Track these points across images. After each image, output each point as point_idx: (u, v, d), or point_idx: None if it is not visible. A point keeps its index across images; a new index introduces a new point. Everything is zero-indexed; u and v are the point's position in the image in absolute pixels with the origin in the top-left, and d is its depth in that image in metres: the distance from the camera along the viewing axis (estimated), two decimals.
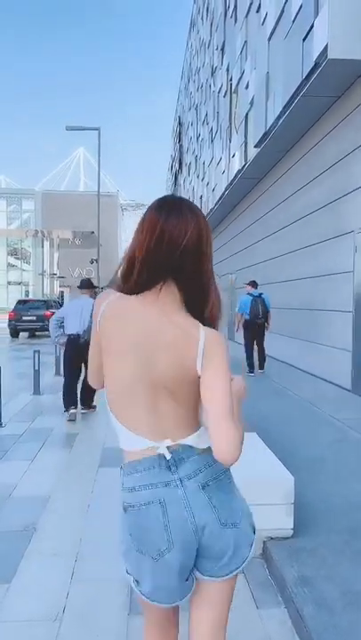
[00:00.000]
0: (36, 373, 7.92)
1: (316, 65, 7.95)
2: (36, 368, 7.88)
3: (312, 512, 3.33)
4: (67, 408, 6.30)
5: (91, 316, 5.53)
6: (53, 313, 23.20)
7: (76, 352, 6.10)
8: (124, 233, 75.74)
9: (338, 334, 8.44)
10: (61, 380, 6.67)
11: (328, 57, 7.47)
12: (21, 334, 20.36)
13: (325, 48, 7.53)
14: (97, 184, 22.02)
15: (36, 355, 7.90)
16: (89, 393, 6.60)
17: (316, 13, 8.14)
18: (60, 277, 53.53)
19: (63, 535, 3.23)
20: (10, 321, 19.89)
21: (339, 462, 4.49)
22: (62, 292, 49.68)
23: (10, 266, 58.14)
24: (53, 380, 9.24)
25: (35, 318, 19.44)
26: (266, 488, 2.96)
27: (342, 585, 2.51)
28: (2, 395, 6.18)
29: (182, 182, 40.55)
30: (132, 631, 2.28)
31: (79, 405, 6.46)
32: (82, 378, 6.32)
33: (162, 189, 74.09)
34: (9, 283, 57.10)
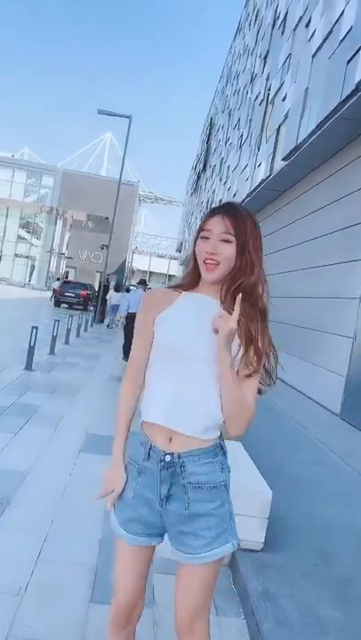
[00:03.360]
0: (31, 349, 7.91)
1: (357, 89, 7.95)
2: (32, 344, 7.87)
3: (285, 529, 3.33)
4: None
5: None
6: (88, 293, 26.59)
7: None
8: (138, 224, 75.73)
9: (335, 358, 8.44)
10: (55, 358, 8.20)
11: None
12: (62, 305, 26.34)
13: None
14: (119, 171, 21.98)
15: (34, 330, 7.90)
16: None
17: None
18: (68, 257, 53.42)
19: (35, 513, 3.23)
20: (56, 295, 26.90)
21: (317, 484, 4.50)
22: (67, 273, 49.63)
23: (20, 238, 58.00)
24: (47, 359, 9.25)
25: (74, 295, 26.37)
26: (242, 497, 2.96)
27: (305, 606, 2.52)
28: None
29: (204, 183, 40.53)
30: (91, 619, 2.29)
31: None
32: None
33: (182, 187, 74.10)
34: (16, 255, 56.97)
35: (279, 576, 2.77)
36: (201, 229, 1.48)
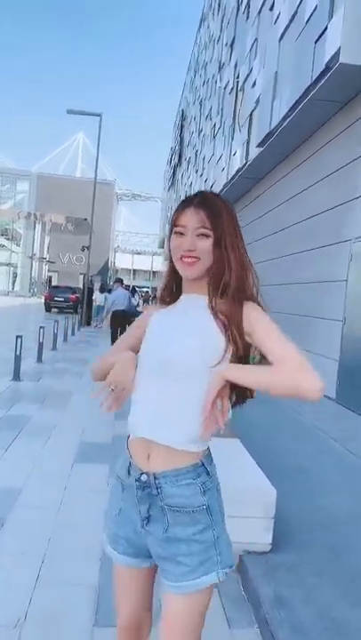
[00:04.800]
0: (17, 359, 7.72)
1: (327, 68, 7.83)
2: (18, 353, 7.68)
3: (292, 525, 3.22)
4: None
5: (128, 299, 12.24)
6: (77, 297, 27.00)
7: (120, 320, 11.31)
8: (118, 222, 75.29)
9: (326, 342, 8.37)
10: (43, 366, 8.58)
11: (340, 61, 7.35)
12: (53, 310, 27.25)
13: (337, 52, 7.41)
14: (94, 171, 21.69)
15: (19, 340, 7.70)
16: None
17: (331, 16, 8.02)
18: (49, 262, 52.96)
19: (31, 533, 3.08)
20: (45, 300, 28.23)
21: (320, 475, 4.40)
22: (50, 277, 49.15)
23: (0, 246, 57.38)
24: (34, 367, 9.05)
25: (63, 299, 27.33)
26: (246, 500, 2.85)
27: (320, 609, 2.40)
28: None
29: (180, 177, 40.32)
30: None
31: None
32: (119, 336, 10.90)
33: (159, 182, 73.74)
34: None
35: (291, 578, 2.65)
36: (174, 224, 1.36)
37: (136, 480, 1.37)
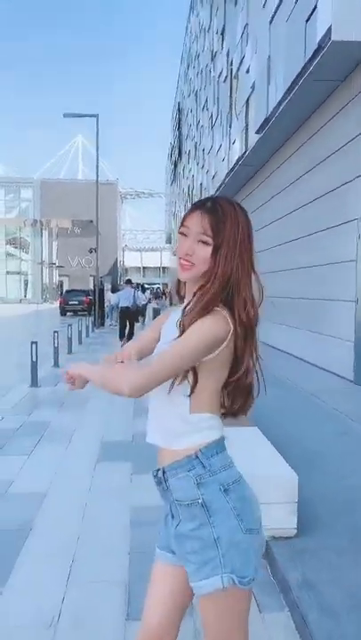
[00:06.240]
0: (34, 365, 7.81)
1: (320, 47, 7.71)
2: (34, 359, 7.76)
3: (315, 510, 3.23)
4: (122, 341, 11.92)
5: (133, 297, 14.11)
6: (91, 299, 27.41)
7: (126, 316, 13.37)
8: (124, 222, 75.37)
9: (340, 324, 8.31)
10: (60, 370, 7.55)
11: (332, 39, 7.25)
12: (68, 313, 27.95)
13: (329, 30, 7.30)
14: (95, 172, 21.73)
15: (34, 346, 7.78)
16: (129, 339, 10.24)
17: None
18: (58, 267, 53.27)
19: (59, 535, 3.13)
20: (60, 304, 29.30)
21: (342, 457, 4.40)
22: (61, 282, 49.44)
23: (8, 255, 57.79)
24: (51, 372, 9.14)
25: (77, 302, 28.13)
26: (268, 486, 2.85)
27: (347, 589, 2.41)
28: None
29: (182, 170, 40.20)
30: (130, 637, 2.18)
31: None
32: (127, 331, 13.40)
33: (162, 177, 73.60)
34: (8, 272, 56.78)
35: (316, 561, 2.66)
36: (181, 224, 1.39)
37: (154, 476, 1.44)
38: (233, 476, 1.37)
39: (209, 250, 1.32)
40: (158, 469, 1.42)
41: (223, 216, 1.33)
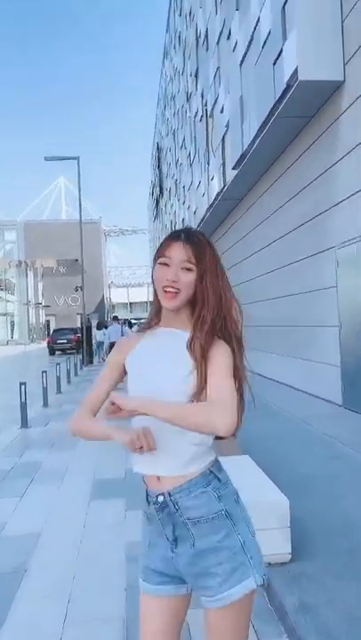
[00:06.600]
0: (24, 405, 7.77)
1: (288, 87, 8.12)
2: (23, 400, 7.73)
3: (309, 533, 3.25)
4: None
5: (120, 332, 13.85)
6: (79, 336, 27.18)
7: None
8: (109, 258, 75.98)
9: (327, 350, 8.44)
10: (49, 410, 8.40)
11: (299, 79, 7.64)
12: (57, 352, 28.11)
13: (295, 70, 7.71)
14: (79, 212, 22.09)
15: (22, 387, 7.77)
16: None
17: (285, 38, 8.36)
18: (45, 306, 53.28)
19: (55, 574, 3.11)
20: (48, 344, 29.71)
21: (332, 480, 4.43)
22: (48, 322, 49.32)
23: None
24: (41, 412, 9.09)
25: (65, 341, 28.31)
26: (260, 512, 2.88)
27: (344, 612, 2.43)
28: None
29: (164, 206, 40.94)
30: None
31: None
32: None
33: (145, 214, 74.76)
34: None
35: (313, 585, 2.68)
36: (159, 255, 1.44)
37: (154, 504, 1.42)
38: (235, 487, 1.48)
39: (191, 276, 1.40)
40: (160, 494, 1.41)
41: (202, 245, 1.43)
